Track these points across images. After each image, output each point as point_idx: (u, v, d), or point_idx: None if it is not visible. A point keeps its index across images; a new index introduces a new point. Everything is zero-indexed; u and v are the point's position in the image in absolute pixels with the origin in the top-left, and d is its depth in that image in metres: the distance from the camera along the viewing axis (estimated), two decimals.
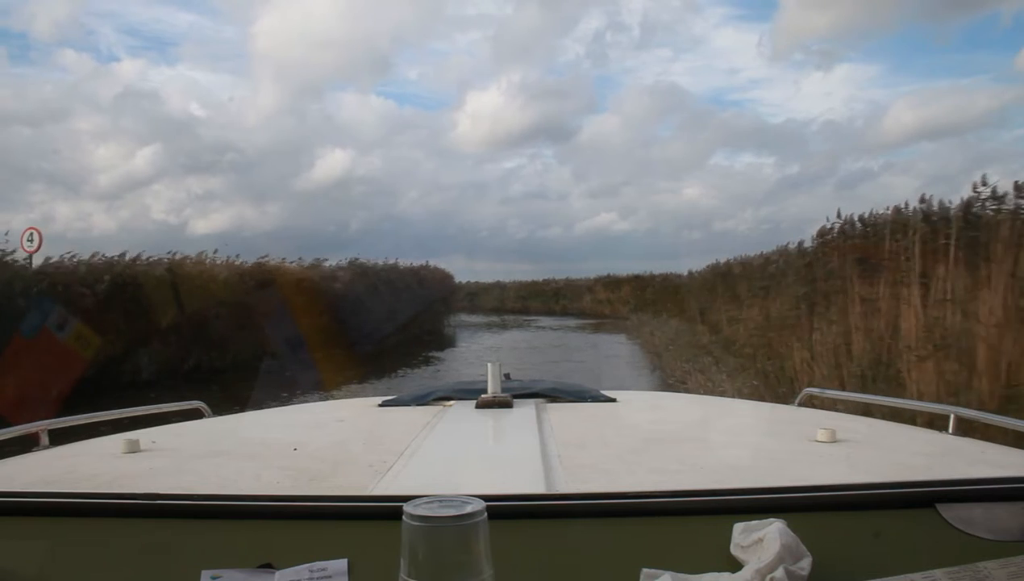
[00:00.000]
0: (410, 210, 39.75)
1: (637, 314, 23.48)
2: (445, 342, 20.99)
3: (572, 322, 28.27)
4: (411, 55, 56.52)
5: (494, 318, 32.02)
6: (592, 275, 35.01)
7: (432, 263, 24.83)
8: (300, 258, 17.59)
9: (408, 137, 48.50)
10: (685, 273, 21.90)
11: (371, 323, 16.70)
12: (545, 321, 29.37)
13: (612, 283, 32.99)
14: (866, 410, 2.10)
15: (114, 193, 25.25)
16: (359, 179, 38.31)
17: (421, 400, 2.09)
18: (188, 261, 14.15)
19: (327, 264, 18.70)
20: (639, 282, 30.41)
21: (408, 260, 22.34)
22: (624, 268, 32.75)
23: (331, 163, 38.03)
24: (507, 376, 2.22)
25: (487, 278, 41.05)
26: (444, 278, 25.99)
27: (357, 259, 19.70)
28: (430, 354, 16.85)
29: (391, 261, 21.13)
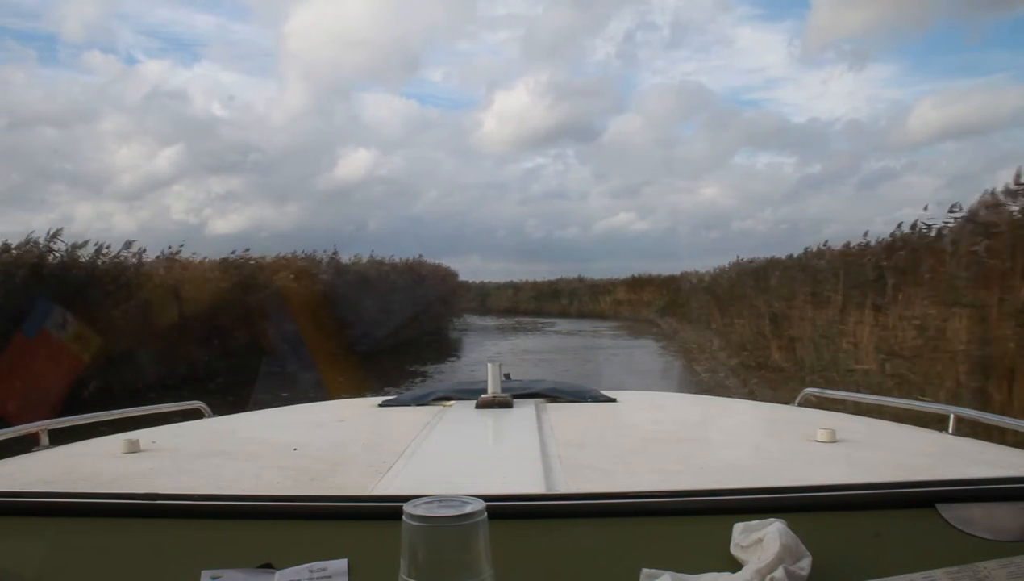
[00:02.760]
0: (429, 210, 39.52)
1: (664, 318, 20.40)
2: (446, 349, 18.38)
3: (591, 326, 25.68)
4: (438, 55, 56.35)
5: (505, 321, 29.81)
6: (608, 275, 33.21)
7: (447, 262, 23.35)
8: (240, 252, 14.46)
9: (431, 137, 48.30)
10: (714, 270, 17.86)
11: (357, 328, 14.08)
12: (561, 324, 26.82)
13: (633, 283, 30.14)
14: (866, 410, 2.10)
15: (135, 193, 25.20)
16: (380, 179, 38.16)
17: (421, 400, 2.09)
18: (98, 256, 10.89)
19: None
20: (666, 282, 26.01)
21: (419, 260, 21.01)
22: (639, 268, 30.95)
23: (353, 163, 37.85)
24: (507, 376, 2.22)
25: (501, 278, 40.08)
26: (446, 276, 24.38)
27: (336, 254, 17.16)
28: (420, 367, 13.87)
29: (381, 257, 18.96)
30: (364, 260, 18.38)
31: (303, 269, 15.48)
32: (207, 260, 13.61)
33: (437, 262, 23.06)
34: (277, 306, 12.72)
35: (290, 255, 15.88)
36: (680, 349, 15.91)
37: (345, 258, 17.57)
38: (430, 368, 14.07)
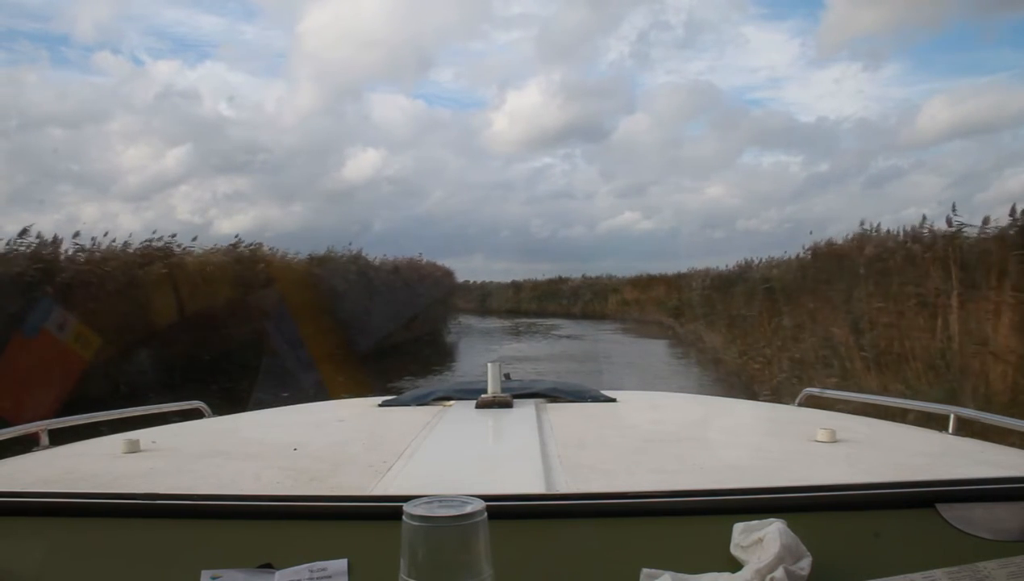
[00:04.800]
0: (434, 210, 39.00)
1: (680, 320, 18.01)
2: (443, 356, 16.81)
3: (597, 329, 23.96)
4: (449, 55, 55.64)
5: (506, 322, 28.46)
6: (611, 274, 31.55)
7: (449, 262, 22.33)
8: (206, 245, 12.13)
9: (439, 137, 47.66)
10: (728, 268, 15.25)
11: (340, 335, 11.91)
12: (567, 326, 25.12)
13: (642, 283, 27.61)
14: (866, 410, 2.10)
15: (142, 194, 25.06)
16: (387, 179, 37.64)
17: (421, 400, 2.09)
18: None
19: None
20: (680, 281, 21.69)
21: (415, 259, 19.99)
22: (643, 267, 29.32)
23: (361, 163, 37.31)
24: (507, 376, 2.22)
25: (504, 278, 39.22)
26: (442, 275, 22.87)
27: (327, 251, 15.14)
28: (396, 383, 10.47)
29: (359, 251, 16.53)
30: (341, 255, 15.83)
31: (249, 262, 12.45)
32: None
33: (435, 262, 21.91)
34: (233, 308, 10.82)
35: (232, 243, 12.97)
36: (711, 360, 13.36)
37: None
38: (408, 384, 11.45)
